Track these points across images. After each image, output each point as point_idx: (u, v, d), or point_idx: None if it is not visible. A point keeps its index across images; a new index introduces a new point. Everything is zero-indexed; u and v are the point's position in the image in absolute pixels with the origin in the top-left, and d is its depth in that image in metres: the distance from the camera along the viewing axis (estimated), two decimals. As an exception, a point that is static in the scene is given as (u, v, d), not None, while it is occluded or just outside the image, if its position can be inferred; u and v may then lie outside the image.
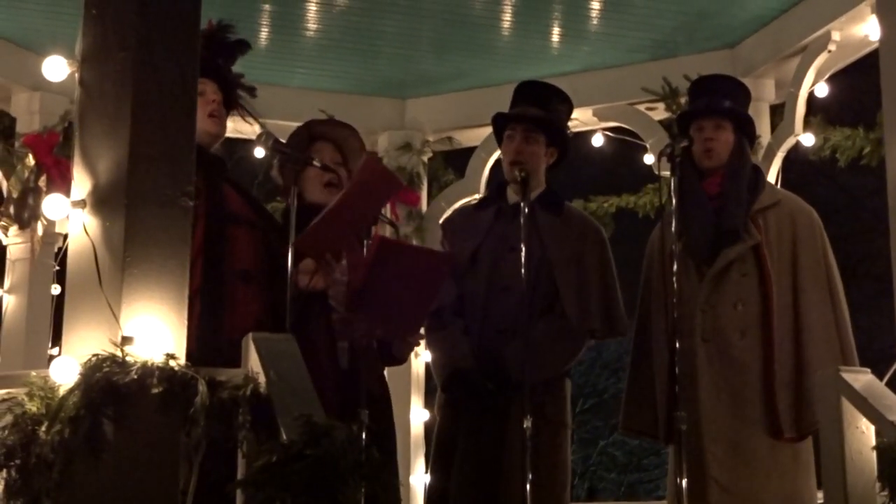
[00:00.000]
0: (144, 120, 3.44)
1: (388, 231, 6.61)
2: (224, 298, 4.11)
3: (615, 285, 4.91)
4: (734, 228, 4.78)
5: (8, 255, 6.68)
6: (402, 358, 4.63)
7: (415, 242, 7.13)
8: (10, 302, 6.63)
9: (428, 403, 7.26)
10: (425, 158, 7.65)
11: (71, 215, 3.45)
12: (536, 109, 4.98)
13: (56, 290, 6.51)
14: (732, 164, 4.87)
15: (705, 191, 4.85)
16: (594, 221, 5.28)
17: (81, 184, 3.46)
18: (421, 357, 7.22)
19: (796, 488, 4.74)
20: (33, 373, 3.32)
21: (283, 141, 4.57)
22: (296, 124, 4.81)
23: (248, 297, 4.20)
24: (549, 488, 4.70)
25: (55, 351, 6.49)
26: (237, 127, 4.72)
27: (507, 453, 4.60)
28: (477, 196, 7.41)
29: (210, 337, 3.92)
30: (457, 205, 7.52)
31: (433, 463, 4.91)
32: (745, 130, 4.97)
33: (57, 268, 6.48)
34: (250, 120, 4.55)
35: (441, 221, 5.30)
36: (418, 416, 7.29)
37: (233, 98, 4.47)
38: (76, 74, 3.58)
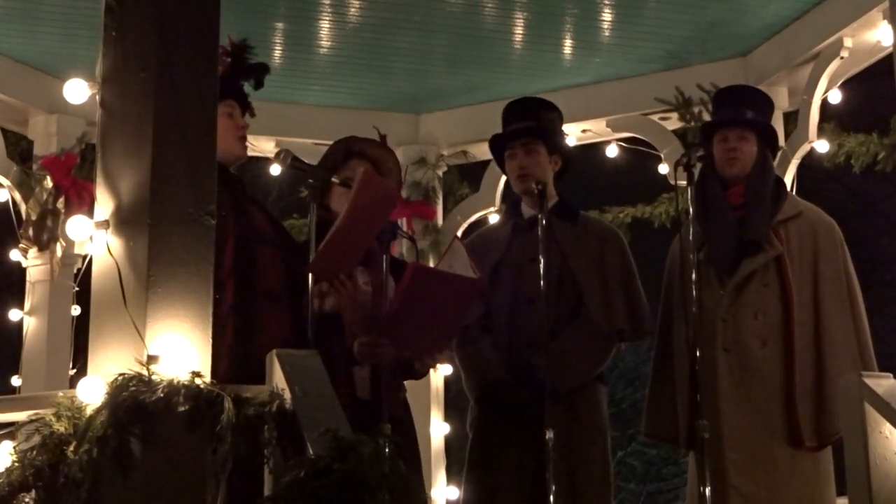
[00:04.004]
0: (166, 140, 3.46)
1: (405, 246, 6.68)
2: (256, 319, 4.14)
3: (638, 286, 4.97)
4: (756, 239, 4.78)
5: (28, 277, 6.71)
6: (422, 374, 4.66)
7: (431, 257, 7.16)
8: (30, 323, 6.66)
9: (448, 417, 7.26)
10: (440, 172, 7.67)
11: (95, 236, 3.47)
12: (528, 122, 5.03)
13: (76, 310, 6.54)
14: (755, 175, 4.88)
15: (728, 201, 4.86)
16: (611, 226, 5.36)
17: (104, 204, 3.48)
18: (440, 371, 7.23)
19: (816, 497, 4.74)
20: (60, 393, 3.34)
21: (301, 158, 4.61)
22: (311, 141, 4.87)
23: (277, 318, 4.22)
24: (591, 495, 4.76)
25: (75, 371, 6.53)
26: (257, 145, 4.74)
27: (548, 463, 4.60)
28: (492, 209, 7.45)
29: (244, 356, 3.93)
30: (472, 218, 7.57)
31: (469, 475, 4.90)
32: (769, 141, 4.98)
33: (76, 289, 6.51)
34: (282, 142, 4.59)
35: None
36: (438, 429, 7.28)
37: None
38: (97, 96, 3.60)
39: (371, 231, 4.27)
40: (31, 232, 6.65)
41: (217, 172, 3.58)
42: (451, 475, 7.12)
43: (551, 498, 4.50)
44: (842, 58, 6.31)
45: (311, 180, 4.40)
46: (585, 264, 4.93)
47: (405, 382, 4.69)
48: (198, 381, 3.26)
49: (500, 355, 4.81)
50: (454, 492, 6.91)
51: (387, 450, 3.62)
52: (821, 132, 6.67)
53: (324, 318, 4.24)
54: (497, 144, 5.10)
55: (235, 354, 3.60)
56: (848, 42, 6.25)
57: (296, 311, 4.24)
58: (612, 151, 7.53)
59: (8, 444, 3.35)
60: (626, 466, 17.08)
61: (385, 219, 4.40)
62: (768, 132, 5.00)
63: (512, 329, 4.84)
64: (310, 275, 4.14)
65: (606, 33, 6.79)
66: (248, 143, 4.56)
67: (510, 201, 5.36)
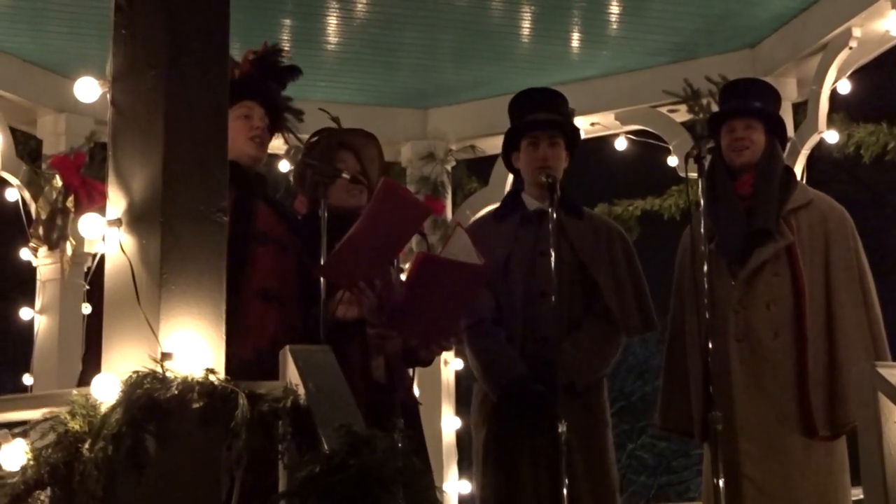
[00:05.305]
0: (177, 137, 3.45)
1: (414, 241, 6.68)
2: (238, 317, 4.11)
3: (644, 281, 5.00)
4: (766, 228, 4.79)
5: (38, 276, 6.72)
6: (429, 360, 4.66)
7: (440, 250, 7.15)
8: (41, 322, 6.68)
9: (458, 411, 7.26)
10: (449, 167, 7.68)
11: (107, 234, 3.46)
12: (550, 115, 5.02)
13: (87, 309, 6.55)
14: (763, 165, 4.88)
15: (737, 191, 4.86)
16: (614, 222, 5.39)
17: (116, 202, 3.47)
18: (451, 365, 7.24)
19: (830, 486, 4.74)
20: (75, 391, 3.33)
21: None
22: (316, 138, 4.86)
23: (266, 317, 4.18)
24: (606, 487, 4.83)
25: (87, 370, 6.53)
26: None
27: (573, 457, 4.65)
28: (491, 206, 7.44)
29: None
30: (481, 212, 7.55)
31: (486, 470, 4.90)
32: (776, 132, 4.98)
33: (87, 287, 6.52)
34: (292, 139, 4.58)
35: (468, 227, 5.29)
36: (450, 423, 7.29)
37: (279, 121, 4.51)
38: (107, 95, 3.60)
39: (396, 242, 4.25)
40: (40, 231, 6.67)
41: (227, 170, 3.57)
42: (463, 469, 7.12)
43: (564, 491, 4.52)
44: (850, 48, 6.31)
45: (319, 177, 4.40)
46: (597, 258, 4.95)
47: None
48: (212, 377, 3.24)
49: (515, 350, 4.82)
50: (466, 486, 6.92)
51: (400, 444, 3.65)
52: (830, 123, 6.67)
53: (342, 324, 4.23)
54: (521, 128, 5.05)
55: None
56: (856, 32, 6.25)
57: (305, 312, 4.22)
58: (620, 144, 7.55)
59: (22, 443, 3.35)
60: (636, 459, 17.12)
61: (413, 232, 4.39)
62: (775, 121, 5.00)
63: (525, 323, 4.85)
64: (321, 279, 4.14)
65: (614, 26, 6.79)
66: (287, 141, 4.56)
67: (510, 192, 5.33)
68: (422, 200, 4.68)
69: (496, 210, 5.23)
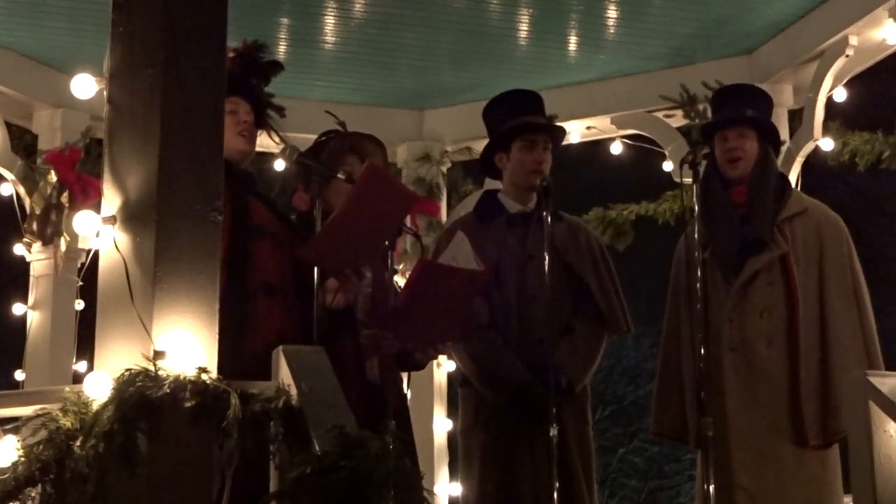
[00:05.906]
0: (173, 136, 3.46)
1: (409, 242, 6.68)
2: (246, 312, 4.13)
3: (618, 283, 5.03)
4: (760, 238, 4.79)
5: (31, 272, 6.72)
6: (422, 364, 4.67)
7: (435, 254, 7.15)
8: (34, 318, 6.67)
9: (450, 413, 7.26)
10: (444, 169, 7.67)
11: (101, 231, 3.47)
12: (542, 118, 5.06)
13: (79, 305, 6.54)
14: (757, 173, 4.88)
15: (731, 199, 4.86)
16: (587, 224, 5.55)
17: (111, 200, 3.48)
18: (443, 367, 7.24)
19: (823, 495, 4.75)
20: (67, 388, 3.33)
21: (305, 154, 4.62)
22: (315, 137, 4.87)
23: (271, 311, 4.21)
24: (593, 481, 4.92)
25: (79, 366, 6.52)
26: (260, 140, 4.75)
27: (571, 457, 4.74)
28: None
29: (232, 350, 3.92)
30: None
31: (483, 472, 4.89)
32: (770, 139, 4.98)
33: (80, 283, 6.51)
34: (276, 138, 4.61)
35: (448, 229, 5.28)
36: (441, 426, 7.29)
37: (263, 117, 4.54)
38: (104, 92, 3.60)
39: (382, 228, 4.25)
40: (35, 226, 6.66)
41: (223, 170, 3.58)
42: (454, 471, 7.12)
43: (555, 494, 4.53)
44: (847, 56, 6.31)
45: (314, 177, 4.40)
46: (582, 260, 4.98)
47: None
48: (204, 376, 3.25)
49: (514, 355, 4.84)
50: (457, 488, 6.92)
51: (391, 447, 3.64)
52: (825, 130, 6.67)
53: (335, 314, 4.24)
54: (507, 130, 5.04)
55: (223, 350, 3.55)
56: (853, 40, 6.26)
57: (304, 306, 4.24)
58: (616, 148, 7.54)
59: (13, 439, 3.35)
60: (627, 464, 17.11)
61: (401, 219, 4.38)
62: (768, 128, 5.00)
63: (519, 327, 4.85)
64: (315, 270, 4.15)
65: (611, 30, 6.79)
66: (271, 139, 4.59)
67: (488, 193, 5.30)
68: (407, 188, 4.66)
69: (478, 212, 5.17)
